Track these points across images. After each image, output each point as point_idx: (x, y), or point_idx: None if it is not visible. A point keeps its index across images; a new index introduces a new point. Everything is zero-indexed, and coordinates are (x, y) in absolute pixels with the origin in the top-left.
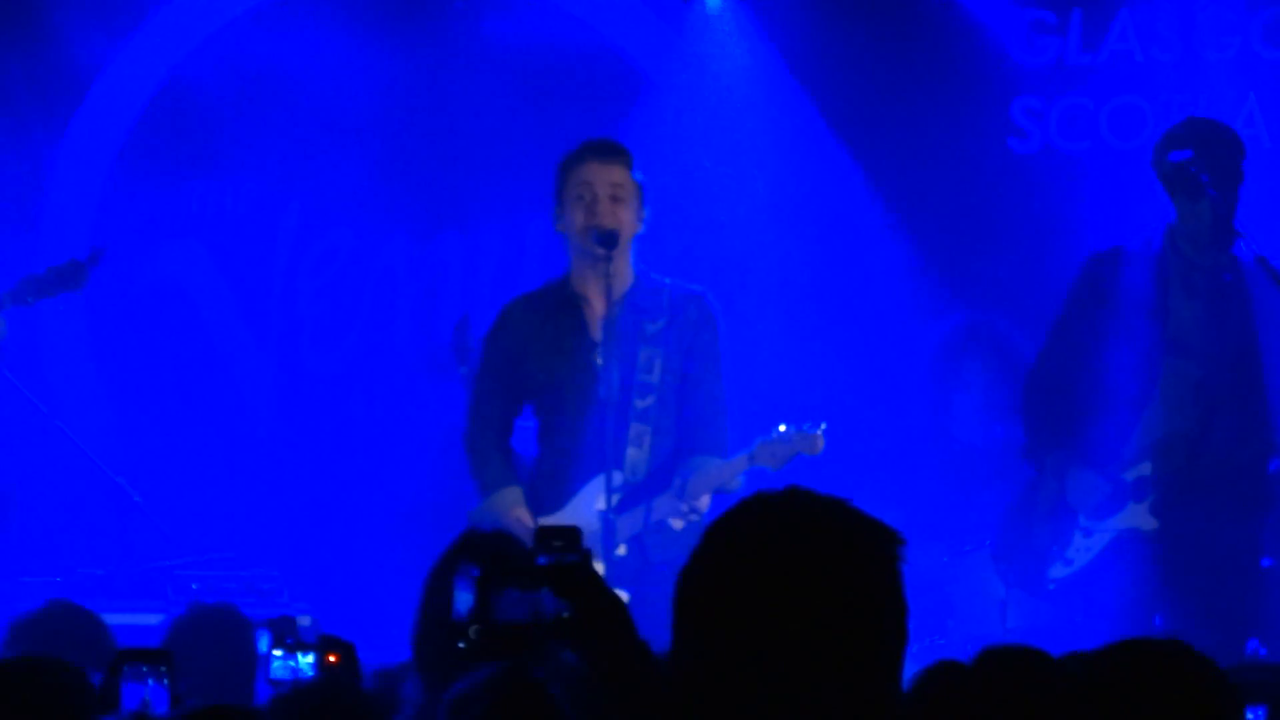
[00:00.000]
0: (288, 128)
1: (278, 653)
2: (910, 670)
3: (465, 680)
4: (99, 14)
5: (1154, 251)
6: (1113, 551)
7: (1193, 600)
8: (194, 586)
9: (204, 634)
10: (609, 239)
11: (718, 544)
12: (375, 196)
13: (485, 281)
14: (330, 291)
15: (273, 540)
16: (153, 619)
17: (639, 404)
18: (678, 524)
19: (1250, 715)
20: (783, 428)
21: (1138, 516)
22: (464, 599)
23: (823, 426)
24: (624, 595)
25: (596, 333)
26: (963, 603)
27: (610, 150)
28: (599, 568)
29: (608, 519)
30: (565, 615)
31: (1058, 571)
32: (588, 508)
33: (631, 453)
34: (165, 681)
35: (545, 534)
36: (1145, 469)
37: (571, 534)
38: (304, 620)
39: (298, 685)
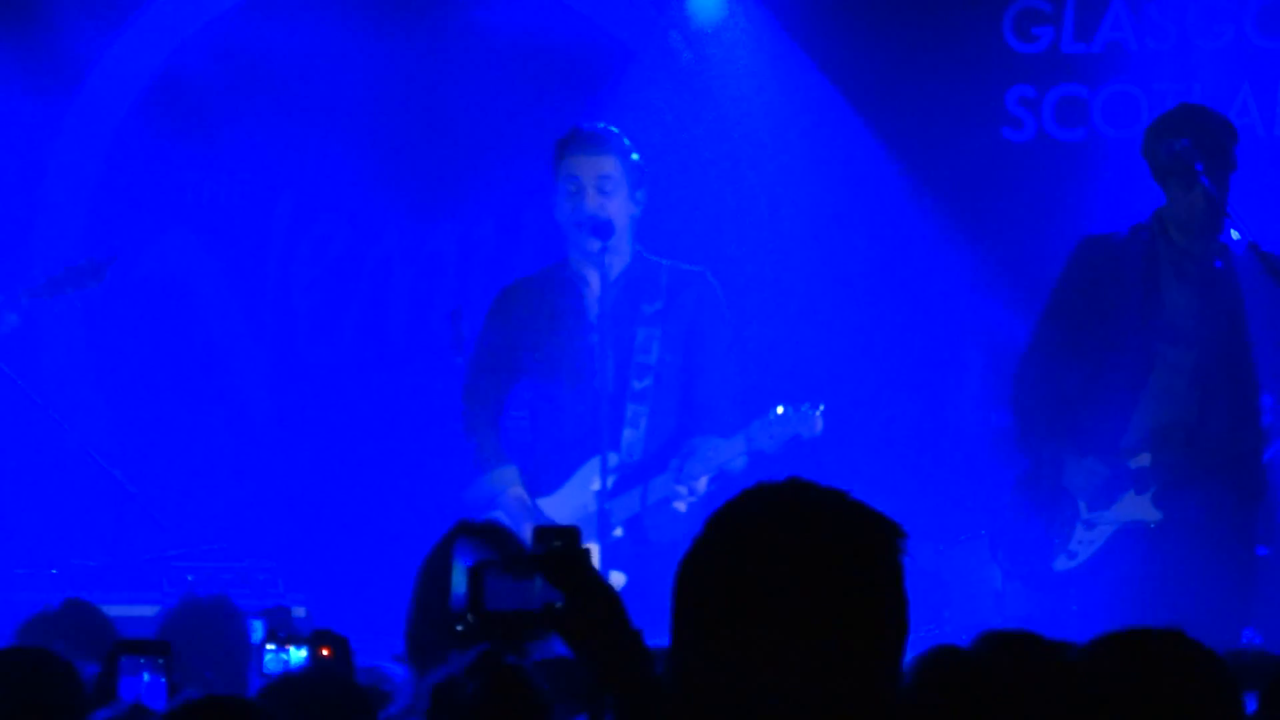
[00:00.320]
0: (282, 116)
1: (270, 646)
2: (907, 659)
3: (447, 666)
4: (93, 4)
5: (1144, 238)
6: (1115, 544)
7: (1189, 589)
8: (189, 578)
9: (197, 625)
10: (603, 229)
11: (718, 534)
12: (370, 185)
13: (480, 269)
14: (325, 280)
15: (267, 531)
16: (148, 610)
17: (636, 385)
18: (681, 506)
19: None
20: (780, 409)
21: (1141, 508)
22: (460, 587)
23: (821, 408)
24: (620, 577)
25: (594, 314)
26: (959, 592)
27: (597, 142)
28: (595, 549)
29: (603, 500)
30: (558, 604)
31: (1062, 564)
32: (584, 489)
33: (628, 434)
34: (162, 672)
35: (545, 533)
36: (1145, 459)
37: (571, 534)
38: (298, 611)
39: (288, 675)
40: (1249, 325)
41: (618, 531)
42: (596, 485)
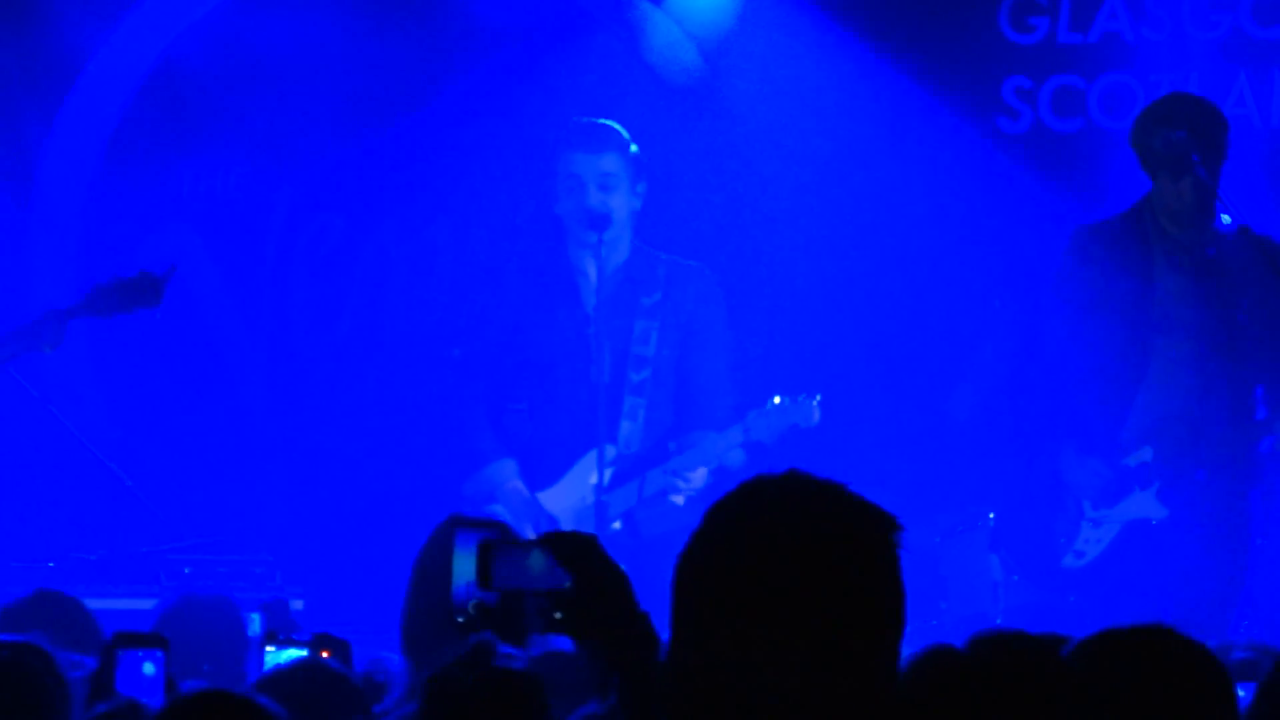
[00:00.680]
0: (279, 111)
1: (271, 648)
2: (904, 653)
3: (442, 658)
4: None
5: (1137, 228)
6: (1122, 542)
7: (1190, 582)
8: (186, 571)
9: (195, 619)
10: (600, 223)
11: (716, 528)
12: (366, 178)
13: (477, 264)
14: (322, 274)
15: (265, 524)
16: (145, 604)
17: (634, 377)
18: (678, 499)
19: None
20: (777, 399)
21: (1145, 506)
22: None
23: (818, 397)
24: None
25: (591, 306)
26: (957, 584)
27: (596, 138)
28: None
29: (601, 493)
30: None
31: (1070, 563)
32: (582, 482)
33: (626, 426)
34: (160, 666)
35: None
36: (1146, 454)
37: (587, 543)
38: (296, 604)
39: (280, 669)
40: (1245, 311)
41: (615, 524)
42: (594, 478)
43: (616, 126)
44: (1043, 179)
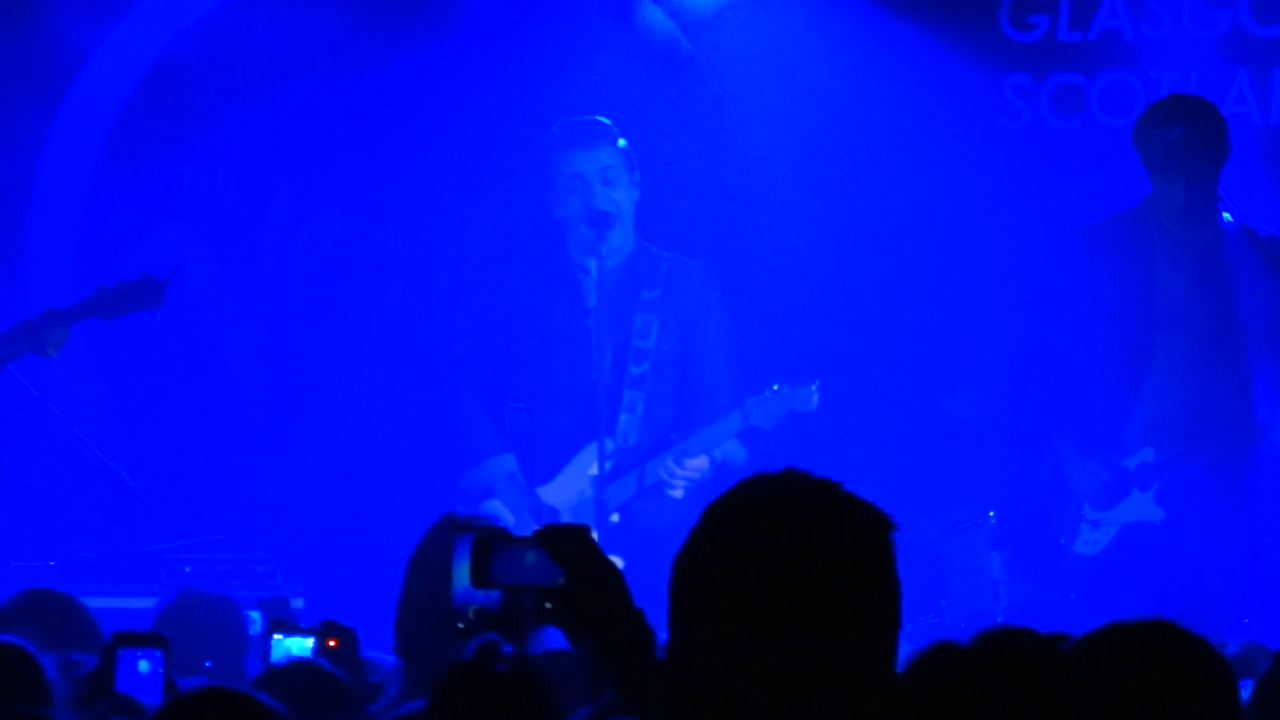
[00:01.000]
0: (277, 109)
1: (278, 636)
2: (906, 649)
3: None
4: None
5: (1137, 226)
6: (1120, 543)
7: (1189, 581)
8: (187, 570)
9: (195, 617)
10: (604, 220)
11: (714, 525)
12: (366, 175)
13: (477, 259)
14: (322, 272)
15: (265, 523)
16: (146, 602)
17: (634, 370)
18: (677, 493)
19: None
20: (776, 386)
21: (1144, 508)
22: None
23: (816, 383)
24: (618, 561)
25: (591, 300)
26: (958, 580)
27: (591, 134)
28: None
29: (600, 485)
30: (560, 581)
31: (1068, 565)
32: (581, 475)
33: (625, 419)
34: (159, 665)
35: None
36: (1148, 455)
37: (580, 534)
38: (296, 602)
39: (272, 668)
40: (1246, 309)
41: (614, 517)
42: (594, 471)
43: (604, 120)
44: (1043, 176)
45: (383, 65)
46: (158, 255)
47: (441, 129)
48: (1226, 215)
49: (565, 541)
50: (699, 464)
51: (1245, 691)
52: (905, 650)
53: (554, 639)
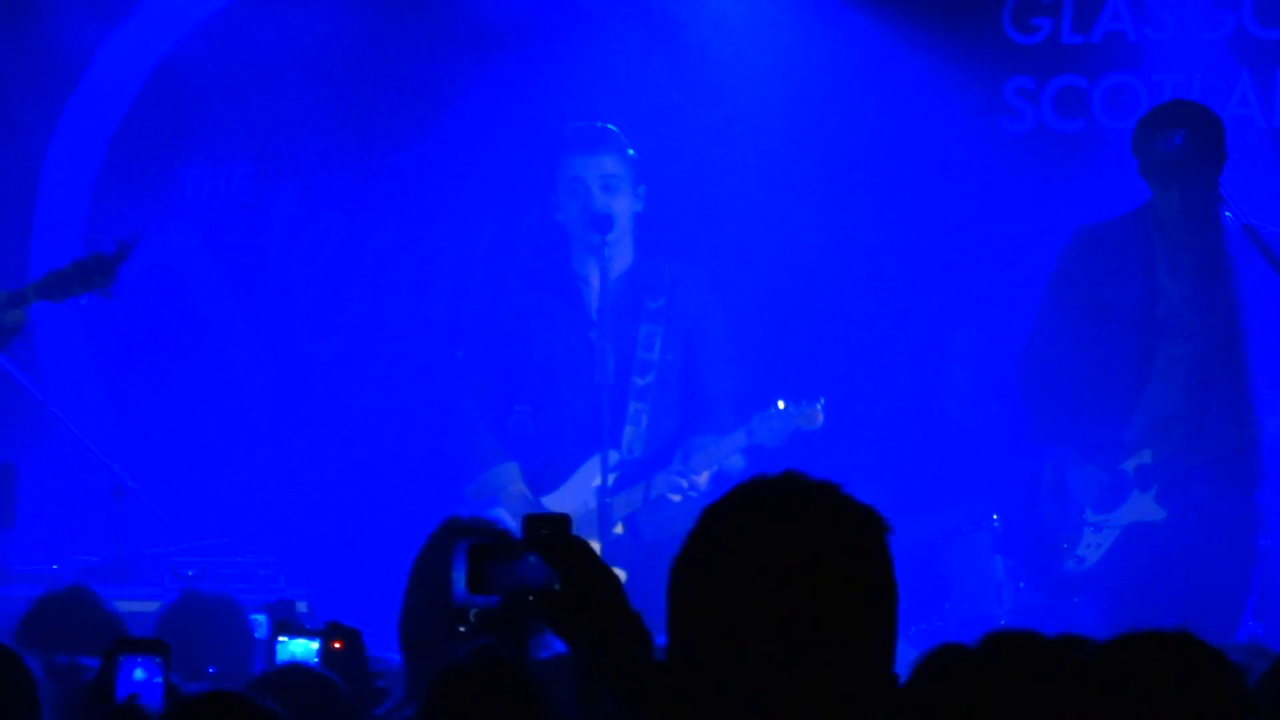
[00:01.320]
0: (280, 111)
1: (283, 638)
2: (909, 652)
3: (443, 660)
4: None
5: (1138, 230)
6: (1122, 546)
7: (1191, 583)
8: (190, 573)
9: (199, 620)
10: (605, 224)
11: (712, 528)
12: (368, 179)
13: (480, 265)
14: (324, 275)
15: (269, 526)
16: (149, 606)
17: (638, 381)
18: (676, 497)
19: None
20: (781, 404)
21: (1145, 508)
22: (462, 584)
23: (821, 401)
24: (621, 574)
25: (594, 310)
26: (960, 584)
27: (597, 140)
28: (595, 546)
29: (604, 497)
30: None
31: (1071, 569)
32: (586, 486)
33: (629, 431)
34: (160, 671)
35: (534, 522)
36: (1146, 457)
37: (560, 521)
38: (300, 606)
39: (267, 673)
40: (1248, 311)
41: (618, 528)
42: (598, 482)
43: (613, 129)
44: (1045, 179)
45: (385, 69)
46: (160, 258)
47: (444, 134)
48: (1228, 215)
49: (557, 546)
50: (703, 480)
51: None
52: (909, 653)
53: (559, 641)
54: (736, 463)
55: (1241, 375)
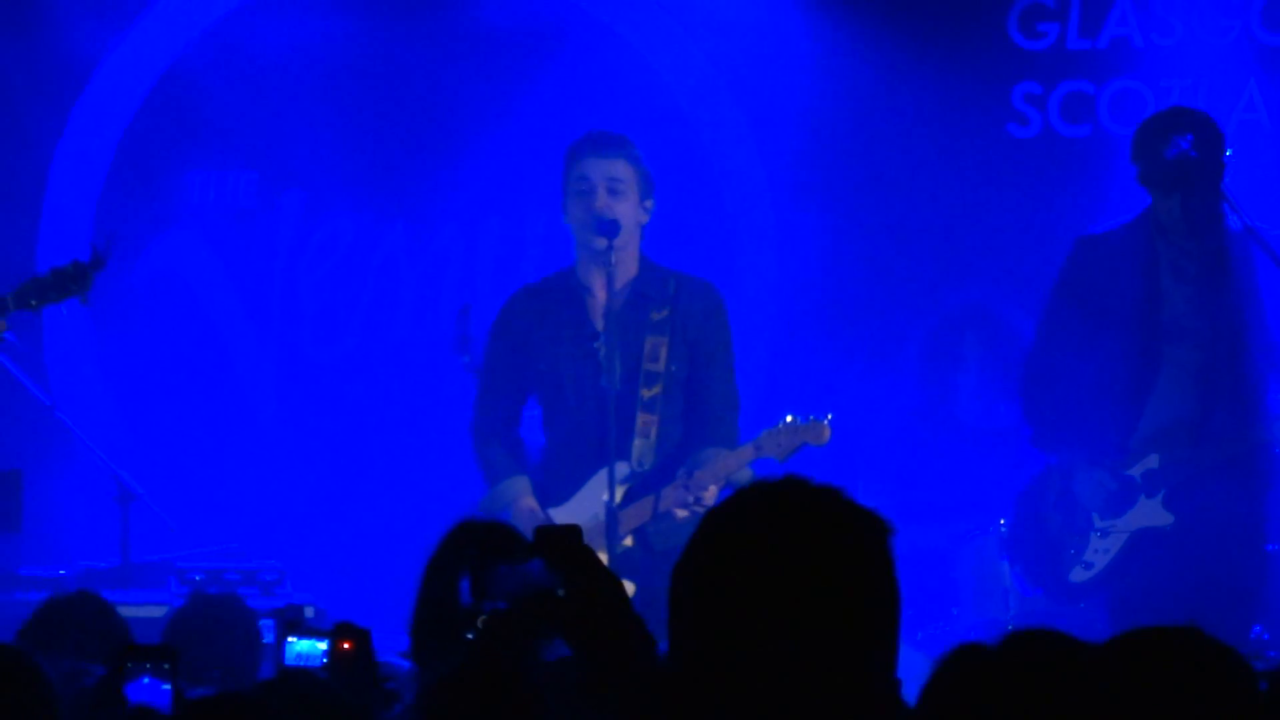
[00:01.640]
0: (287, 117)
1: (292, 639)
2: (918, 657)
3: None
4: (97, 5)
5: (1142, 237)
6: (1129, 551)
7: (1200, 588)
8: (197, 578)
9: (206, 623)
10: (609, 228)
11: (713, 533)
12: (375, 185)
13: (486, 271)
14: (331, 281)
15: (275, 531)
16: (156, 611)
17: (645, 394)
18: (681, 514)
19: None
20: (789, 418)
21: (1152, 513)
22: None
23: (829, 417)
24: (630, 586)
25: (599, 323)
26: (969, 590)
27: (609, 144)
28: (604, 559)
29: (612, 510)
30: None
31: (1078, 575)
32: (594, 499)
33: (638, 443)
34: (167, 677)
35: (544, 533)
36: (1152, 461)
37: (571, 532)
38: (307, 611)
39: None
40: (1253, 314)
41: (627, 541)
42: (607, 495)
43: (626, 138)
44: (1053, 184)
45: (392, 75)
46: (167, 264)
47: (451, 140)
48: (1231, 218)
49: (562, 551)
50: (710, 495)
51: None
52: (918, 658)
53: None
54: (744, 476)
55: (1247, 379)
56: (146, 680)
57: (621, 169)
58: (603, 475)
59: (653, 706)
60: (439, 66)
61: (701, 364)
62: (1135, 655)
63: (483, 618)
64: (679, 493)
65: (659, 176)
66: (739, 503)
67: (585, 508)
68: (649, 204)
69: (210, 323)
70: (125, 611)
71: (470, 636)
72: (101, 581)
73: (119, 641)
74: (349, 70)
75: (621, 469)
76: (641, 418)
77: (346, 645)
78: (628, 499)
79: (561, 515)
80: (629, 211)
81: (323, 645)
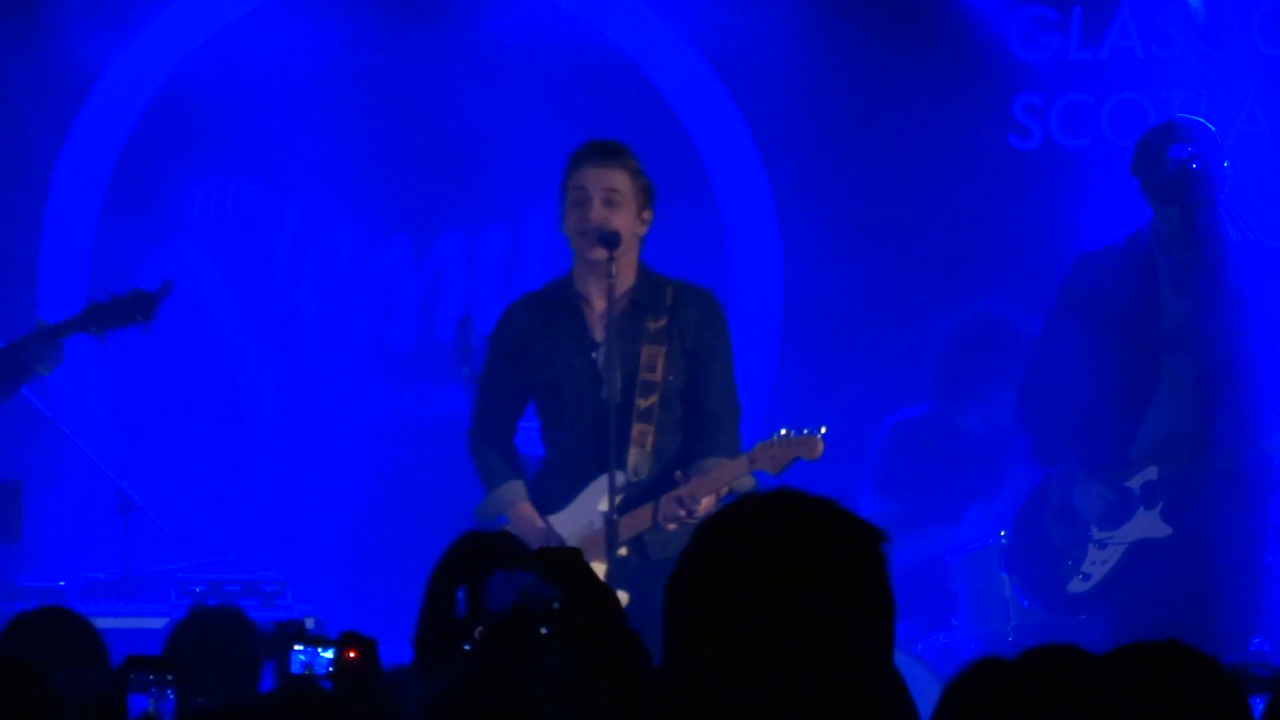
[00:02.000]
0: (288, 127)
1: (298, 647)
2: (920, 669)
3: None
4: (100, 15)
5: (1141, 250)
6: (1128, 563)
7: (1199, 599)
8: (197, 590)
9: (206, 635)
10: (608, 240)
11: (706, 544)
12: (376, 196)
13: (487, 281)
14: (331, 292)
15: (276, 542)
16: (156, 623)
17: (641, 404)
18: (672, 526)
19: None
20: (783, 431)
21: (1150, 525)
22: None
23: (823, 430)
24: (624, 596)
25: (597, 332)
26: (968, 602)
27: (608, 153)
28: (600, 568)
29: (611, 519)
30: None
31: (1077, 587)
32: (591, 508)
33: (634, 453)
34: (171, 691)
35: (545, 553)
36: (1152, 473)
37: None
38: (308, 622)
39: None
40: (1251, 325)
41: (623, 551)
42: (604, 504)
43: (630, 150)
44: (1054, 196)
45: (394, 86)
46: (169, 275)
47: (451, 149)
48: (1231, 230)
49: (558, 564)
50: (705, 506)
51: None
52: (918, 670)
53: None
54: (747, 484)
55: (1246, 391)
56: (150, 692)
57: (619, 179)
58: (599, 484)
59: (648, 717)
60: (439, 77)
61: (699, 372)
62: (1119, 672)
63: (479, 629)
64: (674, 504)
65: (659, 186)
66: (732, 514)
67: (582, 516)
68: (648, 215)
69: (211, 333)
70: (125, 623)
71: (467, 648)
72: (102, 592)
73: (93, 655)
74: (350, 80)
75: (618, 479)
76: (638, 428)
77: (352, 654)
78: (623, 509)
79: (558, 524)
80: (625, 222)
81: (327, 654)
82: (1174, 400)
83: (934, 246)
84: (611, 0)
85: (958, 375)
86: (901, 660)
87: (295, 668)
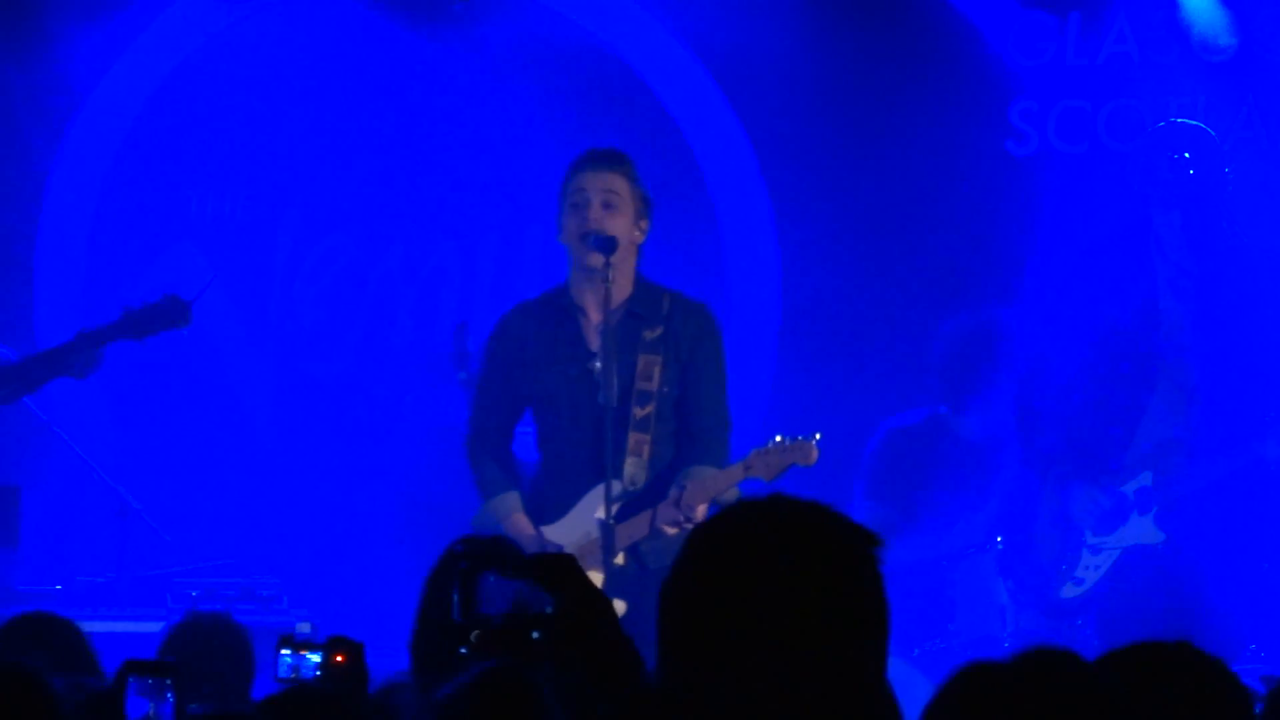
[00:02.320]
0: (285, 134)
1: (285, 651)
2: (917, 675)
3: (453, 681)
4: (95, 20)
5: (1137, 253)
6: (1121, 568)
7: (1193, 606)
8: (193, 594)
9: (201, 641)
10: (605, 245)
11: (699, 550)
12: (373, 202)
13: (484, 287)
14: (329, 297)
15: (272, 547)
16: (152, 627)
17: (638, 413)
18: (671, 531)
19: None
20: (778, 438)
21: (1143, 531)
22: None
23: (817, 436)
24: (621, 605)
25: (593, 341)
26: (964, 607)
27: (607, 159)
28: (597, 578)
29: (606, 528)
30: (549, 610)
31: (1069, 592)
32: (587, 518)
33: (631, 462)
34: (170, 694)
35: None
36: (1146, 479)
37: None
38: (303, 627)
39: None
40: (1247, 334)
41: (619, 559)
42: (600, 513)
43: (629, 158)
44: (1050, 201)
45: (392, 92)
46: (166, 279)
47: (448, 156)
48: (1229, 235)
49: (553, 570)
50: (700, 513)
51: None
52: (914, 676)
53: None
54: (731, 495)
55: (1242, 398)
56: (147, 696)
57: (618, 183)
58: (596, 493)
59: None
60: (436, 85)
61: (691, 386)
62: (1125, 671)
63: (475, 633)
64: (670, 511)
65: (657, 195)
66: (725, 520)
67: (578, 525)
68: (645, 224)
69: (208, 338)
70: (121, 627)
71: (463, 651)
72: (98, 597)
73: (82, 659)
74: (346, 88)
75: (614, 488)
76: (634, 437)
77: (340, 659)
78: (619, 517)
79: (555, 533)
80: (623, 227)
81: (315, 658)
82: (1169, 406)
83: (930, 252)
84: (610, 7)
85: (958, 380)
86: (896, 666)
87: (283, 671)
